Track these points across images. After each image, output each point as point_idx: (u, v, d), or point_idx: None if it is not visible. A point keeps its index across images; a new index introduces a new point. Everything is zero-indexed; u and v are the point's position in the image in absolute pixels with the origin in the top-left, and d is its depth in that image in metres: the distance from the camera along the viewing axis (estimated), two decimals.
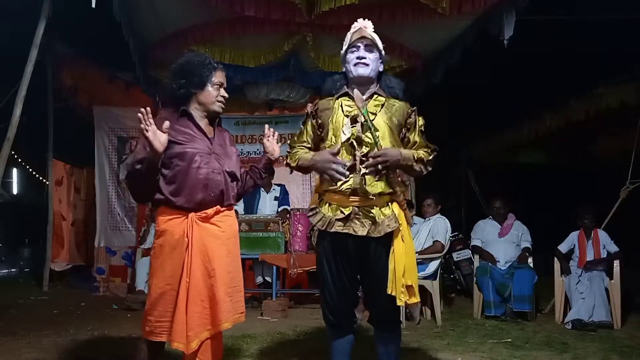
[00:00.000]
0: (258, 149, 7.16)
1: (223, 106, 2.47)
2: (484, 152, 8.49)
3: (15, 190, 13.57)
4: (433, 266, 5.05)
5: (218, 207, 2.40)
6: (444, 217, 5.34)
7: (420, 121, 2.55)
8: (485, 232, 5.58)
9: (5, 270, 8.80)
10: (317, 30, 4.90)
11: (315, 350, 3.73)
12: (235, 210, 5.95)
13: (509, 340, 4.18)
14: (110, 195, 6.96)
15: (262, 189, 6.17)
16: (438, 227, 5.19)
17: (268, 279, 5.76)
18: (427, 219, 5.40)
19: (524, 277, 5.05)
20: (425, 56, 5.66)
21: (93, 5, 4.06)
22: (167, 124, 2.23)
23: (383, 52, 2.59)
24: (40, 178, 10.07)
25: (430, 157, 2.50)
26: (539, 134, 6.69)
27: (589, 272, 4.95)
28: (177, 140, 2.34)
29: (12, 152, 5.17)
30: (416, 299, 2.47)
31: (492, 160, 8.68)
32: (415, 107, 2.56)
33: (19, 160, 10.36)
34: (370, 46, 2.54)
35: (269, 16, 4.55)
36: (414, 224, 5.78)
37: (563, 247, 5.28)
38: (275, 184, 6.23)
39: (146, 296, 6.03)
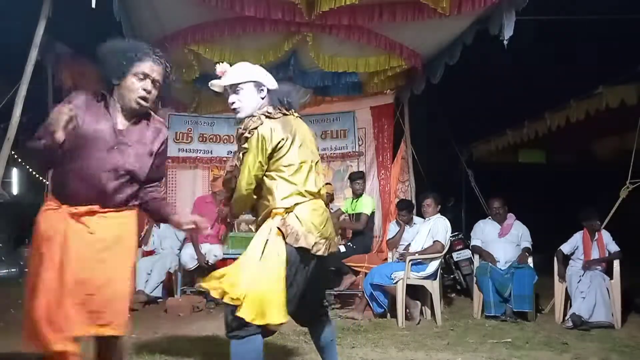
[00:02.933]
0: None
1: (143, 103, 2.21)
2: (484, 152, 8.49)
3: (15, 190, 13.56)
4: (433, 266, 5.05)
5: (97, 206, 2.16)
6: (443, 217, 5.34)
7: (245, 142, 2.49)
8: (485, 232, 5.58)
9: (5, 270, 8.77)
10: (317, 30, 4.90)
11: (315, 350, 3.72)
12: None
13: (509, 340, 4.18)
14: None
15: None
16: (438, 227, 5.19)
17: None
18: (426, 219, 5.40)
19: (524, 277, 5.05)
20: (425, 56, 5.66)
21: (93, 6, 4.06)
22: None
23: (256, 78, 2.59)
24: (40, 178, 10.06)
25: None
26: (539, 133, 6.69)
27: (589, 271, 4.96)
28: (83, 125, 2.14)
29: (12, 152, 5.17)
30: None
31: (492, 160, 8.68)
32: (241, 126, 2.53)
33: (19, 160, 10.35)
34: (234, 87, 2.59)
35: (269, 16, 4.56)
36: (414, 224, 5.80)
37: (566, 248, 5.27)
38: None
39: (146, 296, 6.00)
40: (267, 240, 2.39)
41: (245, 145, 2.48)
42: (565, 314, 5.00)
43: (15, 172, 13.05)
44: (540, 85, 7.80)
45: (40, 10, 4.46)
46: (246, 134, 2.48)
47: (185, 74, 5.78)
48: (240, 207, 2.61)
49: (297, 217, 2.43)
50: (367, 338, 4.20)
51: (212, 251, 5.67)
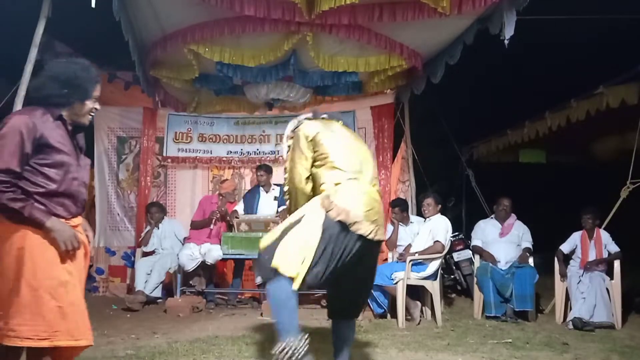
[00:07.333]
0: (258, 149, 7.14)
1: (91, 119, 2.44)
2: (485, 152, 8.48)
3: None
4: (433, 266, 5.05)
5: (80, 217, 2.40)
6: (444, 217, 5.33)
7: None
8: (486, 232, 5.58)
9: None
10: (317, 29, 4.89)
11: (315, 350, 3.70)
12: (235, 210, 6.00)
13: (510, 340, 4.18)
14: (109, 195, 6.95)
15: (262, 189, 6.17)
16: (438, 227, 5.18)
17: None
18: (427, 218, 5.39)
19: (525, 275, 5.06)
20: (426, 56, 5.65)
21: (93, 5, 4.05)
22: None
23: (288, 133, 2.94)
24: None
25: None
26: (539, 133, 6.68)
27: (590, 272, 4.96)
28: (56, 147, 2.26)
29: None
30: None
31: (493, 160, 8.67)
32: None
33: None
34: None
35: (268, 15, 4.54)
36: (411, 222, 5.79)
37: (565, 247, 5.29)
38: (274, 184, 6.23)
39: (146, 297, 5.99)
40: (310, 208, 2.59)
41: (289, 143, 2.84)
42: (566, 314, 5.00)
43: None
44: (540, 85, 7.80)
45: (40, 10, 4.45)
46: (290, 135, 2.85)
47: (185, 73, 5.77)
48: (299, 201, 2.78)
49: (341, 193, 2.59)
50: (367, 338, 4.19)
51: (212, 251, 5.66)
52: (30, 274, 2.15)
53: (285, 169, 2.93)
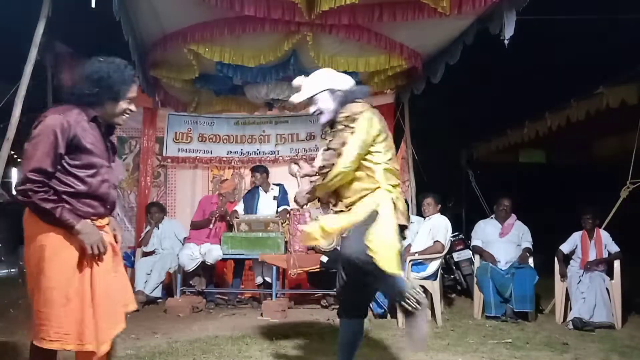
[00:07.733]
0: (258, 149, 7.15)
1: (125, 119, 2.45)
2: (485, 152, 8.49)
3: (15, 191, 13.55)
4: (433, 266, 5.05)
5: (108, 219, 2.42)
6: (444, 217, 5.33)
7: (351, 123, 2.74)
8: (486, 232, 5.58)
9: (5, 270, 8.76)
10: (317, 29, 4.89)
11: (315, 350, 3.73)
12: (235, 210, 6.00)
13: (510, 340, 4.18)
14: None
15: (261, 189, 6.17)
16: (438, 227, 5.18)
17: (268, 279, 5.75)
18: (427, 218, 5.39)
19: (525, 276, 5.05)
20: (426, 56, 5.65)
21: (93, 5, 4.05)
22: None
23: (327, 86, 2.82)
24: None
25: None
26: (539, 133, 6.68)
27: (590, 272, 4.96)
28: (88, 149, 2.27)
29: (12, 152, 5.16)
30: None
31: (493, 160, 8.68)
32: (345, 116, 2.77)
33: (19, 160, 10.36)
34: (311, 99, 2.84)
35: (268, 15, 4.54)
36: (412, 222, 5.77)
37: (565, 248, 5.29)
38: (273, 184, 6.23)
39: (146, 297, 5.98)
40: (383, 206, 2.65)
41: (353, 125, 2.71)
42: (566, 314, 5.00)
43: (15, 172, 13.05)
44: (540, 85, 7.80)
45: (40, 10, 4.45)
46: (353, 116, 2.72)
47: (185, 73, 5.77)
48: (334, 184, 2.75)
49: (399, 197, 2.75)
50: (367, 338, 4.19)
51: (212, 251, 5.66)
52: (46, 273, 2.16)
53: (325, 159, 2.78)
